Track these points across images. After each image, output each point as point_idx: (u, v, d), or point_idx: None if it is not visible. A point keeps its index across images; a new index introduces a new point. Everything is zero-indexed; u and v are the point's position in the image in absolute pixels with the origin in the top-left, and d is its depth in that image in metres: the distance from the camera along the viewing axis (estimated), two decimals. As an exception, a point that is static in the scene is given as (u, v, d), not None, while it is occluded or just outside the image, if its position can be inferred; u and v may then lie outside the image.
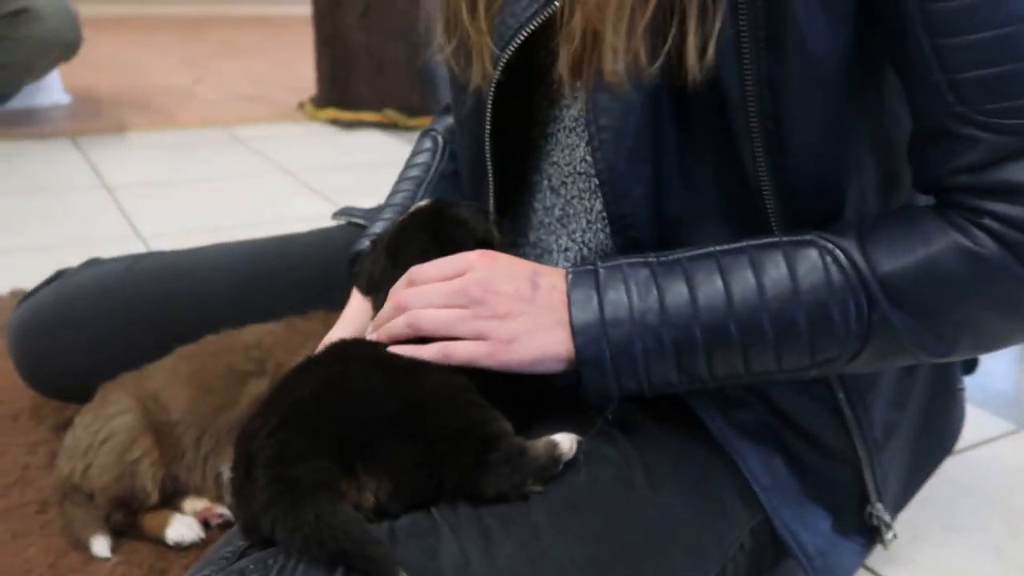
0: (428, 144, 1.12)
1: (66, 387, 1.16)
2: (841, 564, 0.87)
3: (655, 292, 0.74)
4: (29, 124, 3.03)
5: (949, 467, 1.04)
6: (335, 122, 3.22)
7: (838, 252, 0.72)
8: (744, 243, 0.75)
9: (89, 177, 2.51)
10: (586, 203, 0.87)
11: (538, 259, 0.91)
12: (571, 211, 0.89)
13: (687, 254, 0.75)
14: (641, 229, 0.79)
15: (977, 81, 0.67)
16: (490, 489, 0.70)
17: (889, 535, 0.89)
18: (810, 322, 0.72)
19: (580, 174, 0.87)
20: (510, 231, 0.95)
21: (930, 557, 1.05)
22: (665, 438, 0.82)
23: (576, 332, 0.74)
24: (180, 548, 1.00)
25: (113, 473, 0.99)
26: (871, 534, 0.89)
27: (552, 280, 0.77)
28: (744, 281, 0.73)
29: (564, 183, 0.89)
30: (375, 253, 0.90)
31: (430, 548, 0.67)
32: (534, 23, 0.79)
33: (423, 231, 0.85)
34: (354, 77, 3.16)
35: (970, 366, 1.02)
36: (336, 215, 1.26)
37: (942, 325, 0.72)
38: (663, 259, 0.76)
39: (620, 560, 0.72)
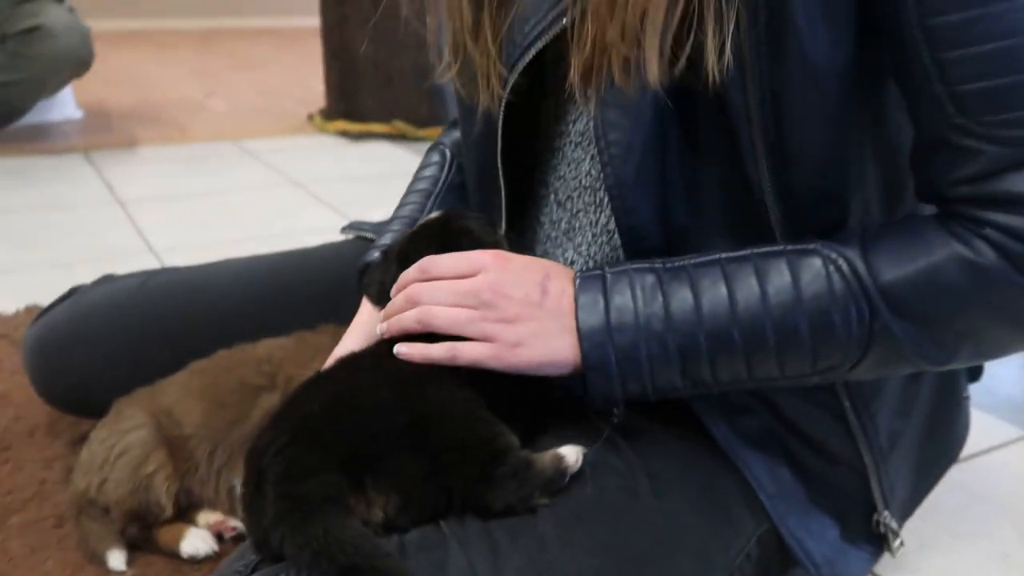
0: (436, 157, 1.13)
1: (81, 402, 1.18)
2: (849, 572, 0.87)
3: (660, 298, 0.75)
4: (42, 139, 3.06)
5: (957, 474, 1.04)
6: (344, 134, 3.24)
7: (841, 261, 0.73)
8: (749, 251, 0.75)
9: (102, 192, 2.54)
10: (591, 216, 0.88)
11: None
12: (577, 225, 0.90)
13: (693, 261, 0.76)
14: (650, 240, 0.80)
15: (977, 93, 0.67)
16: (497, 503, 0.71)
17: (896, 543, 0.89)
18: (812, 329, 0.73)
19: (586, 188, 0.88)
20: (517, 244, 0.96)
21: (937, 564, 1.05)
22: (670, 445, 0.83)
23: (582, 337, 0.75)
24: (194, 561, 1.01)
25: (128, 487, 1.00)
26: (878, 542, 0.89)
27: (561, 285, 0.78)
28: (748, 288, 0.74)
29: (570, 197, 0.90)
30: (386, 263, 0.90)
31: (439, 561, 0.68)
32: (543, 40, 0.80)
33: (433, 242, 0.86)
34: (363, 89, 3.18)
35: (975, 374, 1.03)
36: (345, 229, 1.27)
37: (943, 334, 0.72)
38: (669, 265, 0.77)
39: (626, 570, 0.73)
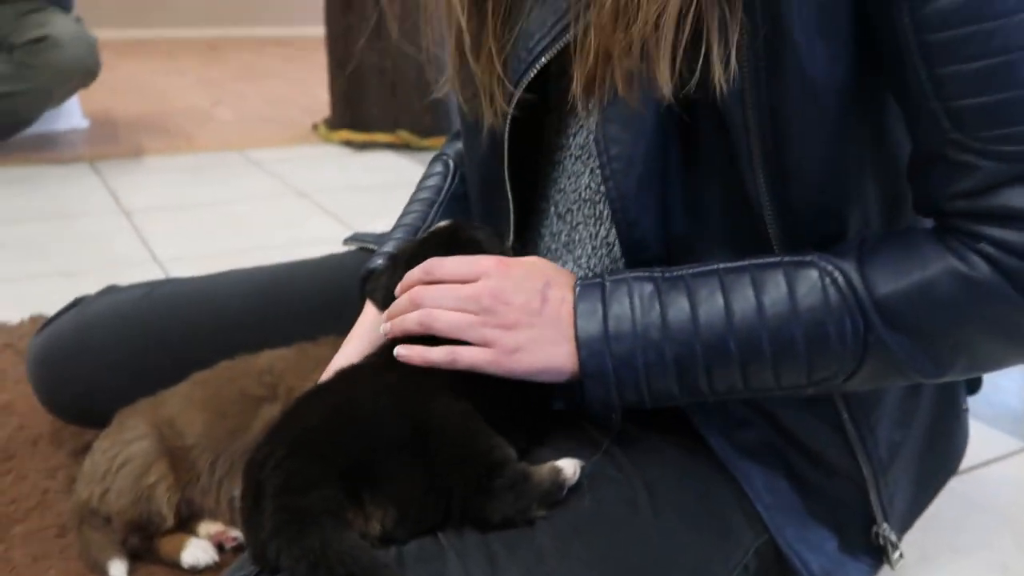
0: (439, 168, 1.13)
1: (85, 412, 1.18)
2: (847, 585, 0.87)
3: (658, 308, 0.75)
4: (49, 149, 3.08)
5: (957, 485, 1.04)
6: (348, 143, 3.25)
7: (837, 274, 0.73)
8: (747, 262, 0.76)
9: (107, 201, 2.55)
10: (591, 229, 0.89)
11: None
12: (576, 237, 0.90)
13: (691, 271, 0.77)
14: (651, 252, 0.80)
15: (973, 109, 0.67)
16: (495, 515, 0.71)
17: (896, 555, 0.89)
18: (808, 341, 0.73)
19: (585, 201, 0.89)
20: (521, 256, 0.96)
21: (938, 576, 1.05)
22: (668, 456, 0.83)
23: (581, 345, 0.76)
24: (195, 571, 1.01)
25: (130, 497, 1.00)
26: (878, 554, 0.89)
27: (561, 292, 0.78)
28: (744, 299, 0.74)
29: (570, 210, 0.90)
30: (393, 269, 0.91)
31: (437, 573, 0.68)
32: (548, 55, 0.81)
33: (441, 250, 0.87)
34: (367, 99, 3.19)
35: (974, 386, 1.03)
36: (347, 241, 1.28)
37: (938, 347, 0.73)
38: (668, 275, 0.77)
39: (624, 583, 0.73)
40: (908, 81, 0.70)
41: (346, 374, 0.83)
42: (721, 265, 0.76)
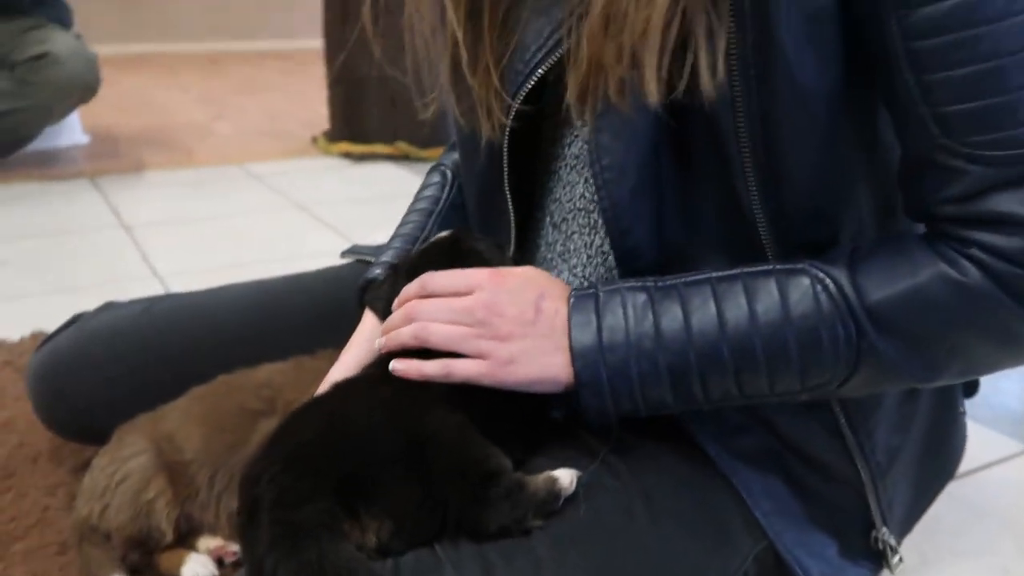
0: (437, 178, 1.14)
1: (84, 429, 1.18)
2: (847, 590, 0.87)
3: (651, 317, 0.76)
4: (49, 165, 3.08)
5: (957, 488, 1.04)
6: (347, 155, 3.25)
7: (828, 281, 0.73)
8: (739, 270, 0.76)
9: (108, 217, 2.55)
10: (586, 238, 0.89)
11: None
12: (571, 246, 0.91)
13: (684, 280, 0.77)
14: (645, 261, 0.81)
15: (961, 114, 0.68)
16: (491, 525, 0.71)
17: (896, 559, 0.89)
18: (800, 348, 0.73)
19: (580, 210, 0.89)
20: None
21: (938, 580, 1.05)
22: (666, 463, 0.83)
23: (575, 356, 0.76)
24: (195, 586, 1.02)
25: (129, 513, 1.00)
26: (877, 559, 0.89)
27: (555, 304, 0.79)
28: (737, 307, 0.74)
29: (565, 219, 0.91)
30: (395, 278, 0.91)
31: (433, 584, 0.69)
32: (544, 66, 0.81)
33: (442, 260, 0.88)
34: (366, 110, 3.19)
35: (971, 389, 1.03)
36: (345, 253, 1.28)
37: (929, 353, 0.73)
38: (661, 284, 0.78)
39: (622, 592, 0.73)
40: (897, 87, 0.70)
41: (341, 387, 0.83)
42: (714, 274, 0.77)
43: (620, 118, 0.75)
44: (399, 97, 3.11)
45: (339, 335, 1.00)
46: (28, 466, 1.25)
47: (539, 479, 0.74)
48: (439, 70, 0.88)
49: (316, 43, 3.52)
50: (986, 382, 1.04)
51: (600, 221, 0.86)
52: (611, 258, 0.85)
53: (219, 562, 1.03)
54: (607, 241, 0.85)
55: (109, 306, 1.26)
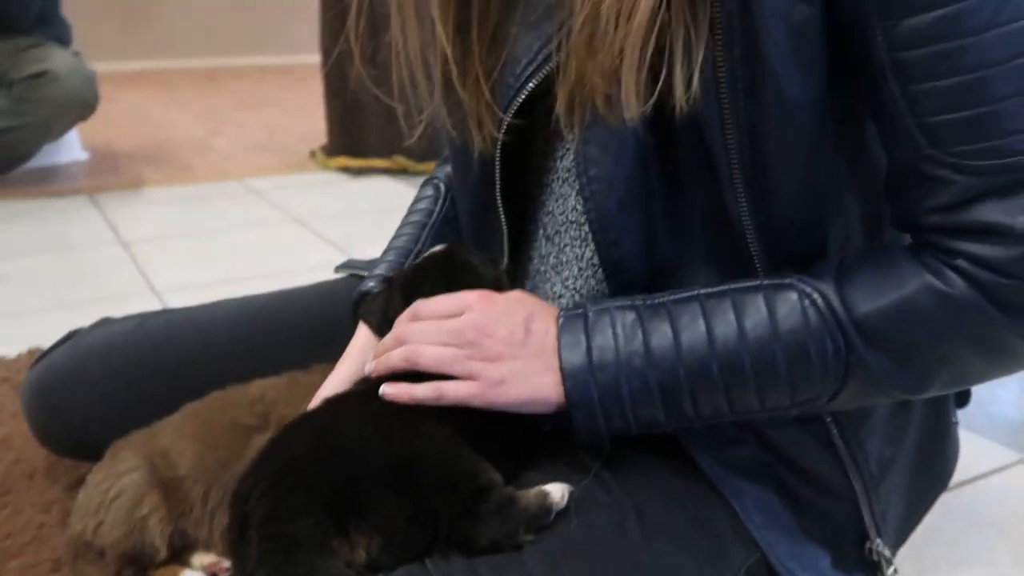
0: (430, 191, 1.14)
1: (79, 445, 1.18)
2: (842, 602, 0.87)
3: (641, 335, 0.76)
4: (48, 182, 3.09)
5: (954, 498, 1.04)
6: (345, 170, 3.26)
7: (816, 295, 0.73)
8: (727, 286, 0.77)
9: (106, 234, 2.56)
10: (577, 251, 0.89)
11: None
12: (564, 259, 0.91)
13: (672, 297, 0.78)
14: (634, 273, 0.81)
15: (947, 125, 0.68)
16: (482, 539, 0.71)
17: (890, 570, 0.89)
18: (789, 362, 0.73)
19: (572, 222, 0.89)
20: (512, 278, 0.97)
21: (935, 591, 1.04)
22: (658, 477, 0.83)
23: (565, 376, 0.76)
24: (190, 602, 1.02)
25: (123, 530, 1.00)
26: (872, 570, 0.89)
27: (545, 325, 0.79)
28: (726, 323, 0.75)
29: (558, 232, 0.91)
30: (389, 292, 0.92)
31: (423, 600, 0.68)
32: (535, 80, 0.81)
33: (437, 273, 0.88)
34: (363, 125, 3.20)
35: (963, 399, 1.02)
36: (339, 268, 1.29)
37: (919, 364, 0.73)
38: (649, 302, 0.78)
39: (613, 606, 0.73)
40: (883, 98, 0.70)
41: (332, 402, 0.83)
42: (702, 290, 0.77)
43: (608, 130, 0.75)
44: (396, 111, 3.11)
45: (333, 350, 1.00)
46: (24, 483, 1.25)
47: (530, 493, 0.74)
48: (427, 87, 0.89)
49: (314, 58, 3.54)
50: (982, 391, 1.04)
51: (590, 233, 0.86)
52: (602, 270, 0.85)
53: (213, 578, 1.03)
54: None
55: (104, 322, 1.26)
